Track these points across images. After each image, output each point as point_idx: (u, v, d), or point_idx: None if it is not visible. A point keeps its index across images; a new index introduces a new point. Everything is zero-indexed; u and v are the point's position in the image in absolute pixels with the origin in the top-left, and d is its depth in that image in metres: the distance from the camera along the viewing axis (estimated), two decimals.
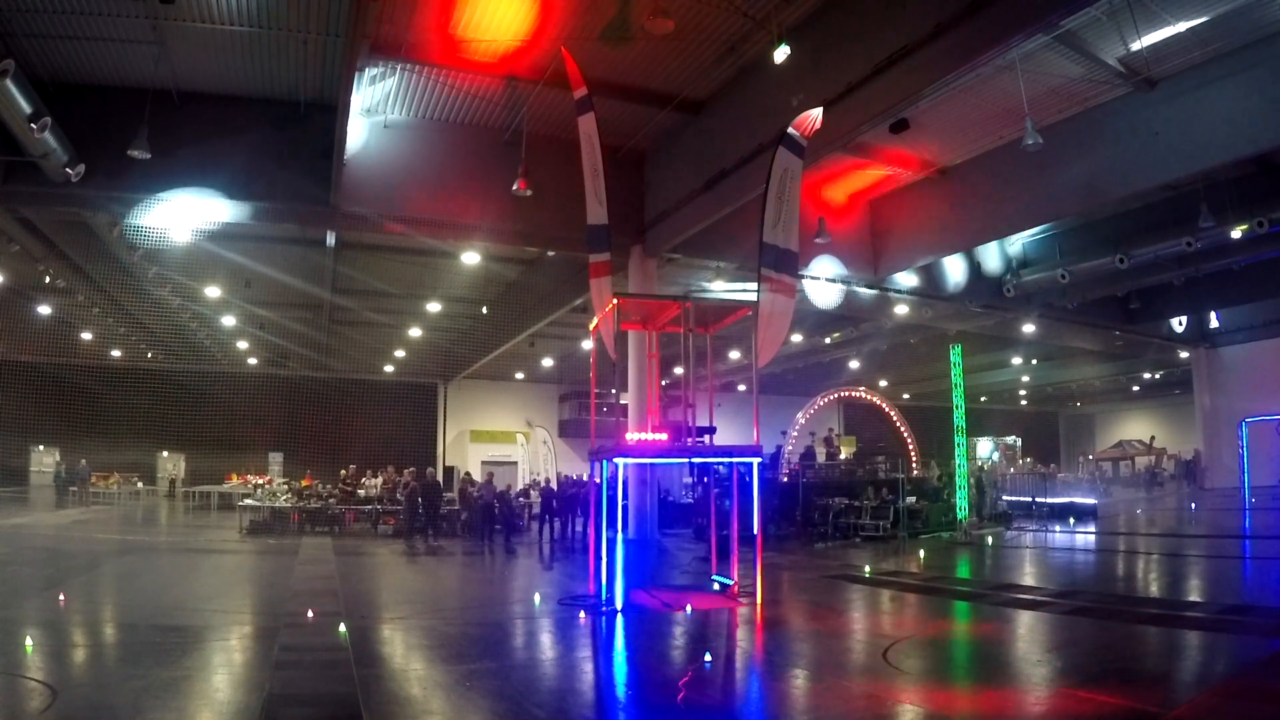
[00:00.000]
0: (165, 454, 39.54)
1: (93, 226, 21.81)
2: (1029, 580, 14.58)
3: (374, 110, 18.48)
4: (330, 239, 22.34)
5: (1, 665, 7.94)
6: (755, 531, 12.68)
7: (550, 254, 23.34)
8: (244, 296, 28.27)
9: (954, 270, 25.35)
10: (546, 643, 10.20)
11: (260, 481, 30.05)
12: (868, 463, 26.27)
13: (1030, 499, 26.88)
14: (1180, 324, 33.99)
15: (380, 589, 14.82)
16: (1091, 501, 26.28)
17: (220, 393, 35.43)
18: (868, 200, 23.63)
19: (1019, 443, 49.78)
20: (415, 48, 15.99)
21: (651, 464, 18.54)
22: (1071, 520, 24.33)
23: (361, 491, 25.22)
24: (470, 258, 23.68)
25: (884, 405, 28.09)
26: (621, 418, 17.68)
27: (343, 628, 9.80)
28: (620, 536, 11.94)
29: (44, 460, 37.03)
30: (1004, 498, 26.47)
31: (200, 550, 19.65)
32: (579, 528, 22.92)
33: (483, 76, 17.22)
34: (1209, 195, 19.73)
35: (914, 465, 26.11)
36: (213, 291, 27.29)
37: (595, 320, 13.65)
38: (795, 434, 27.10)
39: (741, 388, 40.97)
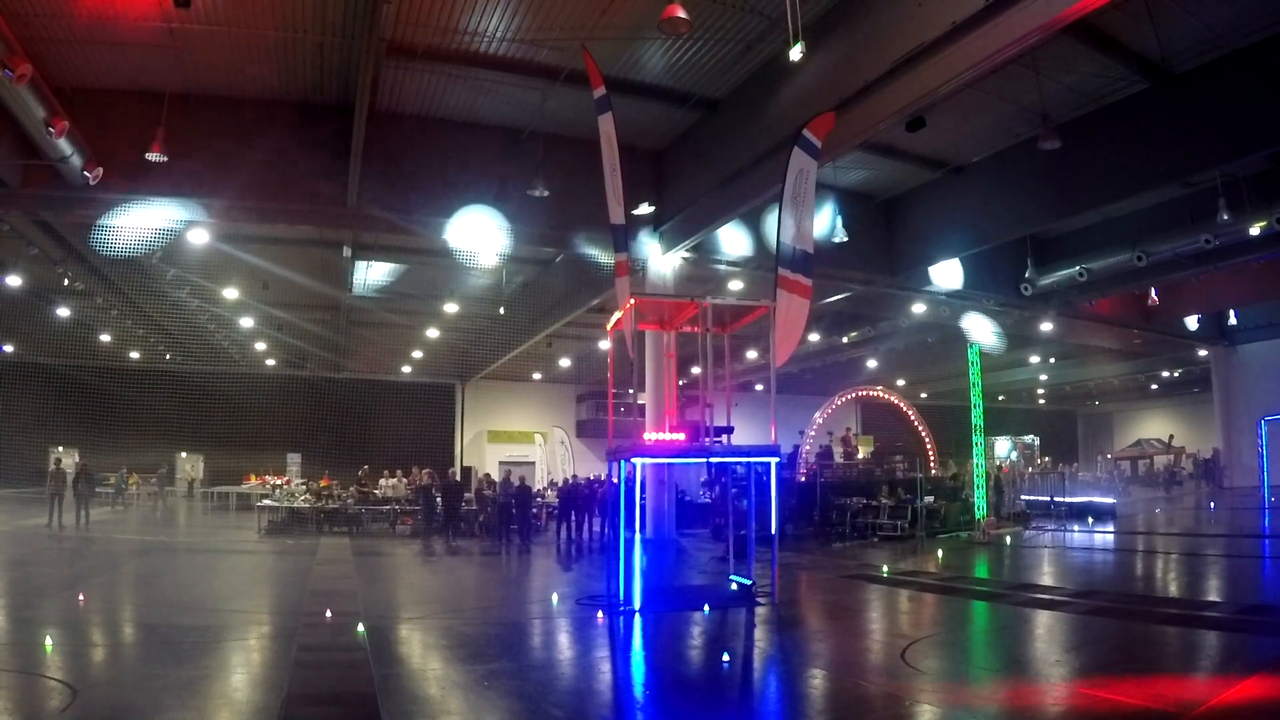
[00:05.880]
0: (184, 455, 39.74)
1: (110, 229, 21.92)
2: (1047, 580, 14.48)
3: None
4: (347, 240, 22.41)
5: (22, 664, 8.00)
6: (773, 531, 12.66)
7: (563, 253, 23.26)
8: (262, 298, 28.40)
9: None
10: (564, 642, 10.21)
11: (278, 482, 30.18)
12: (885, 462, 26.16)
13: (1048, 498, 26.75)
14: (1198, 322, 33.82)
15: (398, 589, 14.83)
16: (1110, 501, 26.09)
17: (238, 394, 35.58)
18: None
19: (1037, 442, 49.47)
20: (432, 48, 16.03)
21: (669, 464, 18.52)
22: (1090, 520, 24.17)
23: (378, 492, 25.30)
24: (488, 259, 23.65)
25: (901, 404, 27.95)
26: (639, 417, 17.72)
27: (361, 627, 9.82)
28: (638, 536, 11.92)
29: (63, 461, 37.22)
30: (1022, 497, 26.30)
31: (219, 550, 19.76)
32: (596, 528, 22.93)
33: (500, 76, 17.23)
34: (1227, 192, 19.57)
35: (932, 465, 25.99)
36: (230, 293, 27.43)
37: (613, 320, 13.63)
38: (813, 433, 26.98)
39: (759, 387, 40.93)
